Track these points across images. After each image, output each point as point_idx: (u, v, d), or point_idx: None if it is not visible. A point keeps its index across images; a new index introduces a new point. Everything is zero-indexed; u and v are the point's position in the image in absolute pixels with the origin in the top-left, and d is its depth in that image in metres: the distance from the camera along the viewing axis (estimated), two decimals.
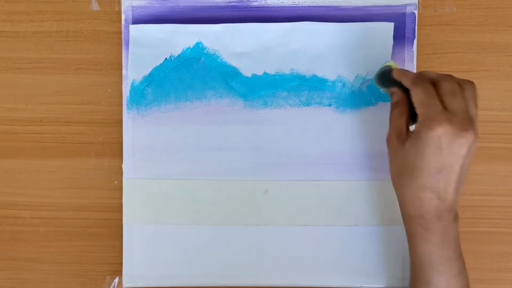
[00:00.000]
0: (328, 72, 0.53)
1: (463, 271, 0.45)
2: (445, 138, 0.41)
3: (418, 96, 0.43)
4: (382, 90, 0.48)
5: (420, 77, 0.44)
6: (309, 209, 0.53)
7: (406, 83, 0.44)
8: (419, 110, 0.42)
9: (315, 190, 0.53)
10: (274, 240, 0.53)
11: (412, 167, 0.42)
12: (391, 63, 0.47)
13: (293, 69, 0.53)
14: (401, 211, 0.45)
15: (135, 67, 0.53)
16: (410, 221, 0.44)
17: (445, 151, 0.41)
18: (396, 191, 0.45)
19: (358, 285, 0.53)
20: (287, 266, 0.53)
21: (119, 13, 0.53)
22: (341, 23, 0.52)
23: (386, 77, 0.47)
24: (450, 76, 0.44)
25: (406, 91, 0.45)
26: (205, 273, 0.53)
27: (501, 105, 0.54)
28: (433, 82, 0.43)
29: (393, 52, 0.53)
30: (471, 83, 0.44)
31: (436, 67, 0.53)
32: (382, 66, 0.48)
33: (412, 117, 0.45)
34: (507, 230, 0.54)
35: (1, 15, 0.54)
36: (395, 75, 0.46)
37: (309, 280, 0.53)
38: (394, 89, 0.46)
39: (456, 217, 0.44)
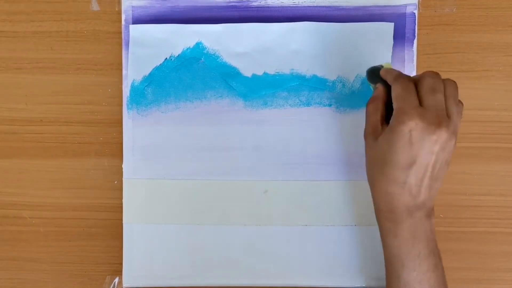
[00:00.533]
0: (328, 72, 0.53)
1: (437, 267, 0.44)
2: (416, 133, 0.41)
3: (396, 91, 0.43)
4: (371, 86, 0.48)
5: (402, 75, 0.44)
6: (309, 209, 0.53)
7: (389, 79, 0.45)
8: (395, 104, 0.43)
9: (315, 190, 0.53)
10: (274, 240, 0.53)
11: (384, 161, 0.42)
12: (386, 64, 0.48)
13: (293, 69, 0.53)
14: (374, 206, 0.46)
15: (135, 67, 0.53)
16: (381, 216, 0.45)
17: (415, 146, 0.41)
18: (370, 186, 0.45)
19: (358, 285, 0.53)
20: (287, 266, 0.53)
21: (119, 13, 0.54)
22: (341, 23, 0.52)
23: (375, 73, 0.47)
24: (436, 73, 0.44)
25: (388, 89, 0.45)
26: (205, 273, 0.53)
27: (501, 105, 0.54)
28: (416, 81, 0.44)
29: (393, 52, 0.53)
30: (452, 81, 0.44)
31: (436, 67, 0.53)
32: (378, 64, 0.48)
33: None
34: (507, 230, 0.54)
35: (1, 15, 0.54)
36: (382, 72, 0.46)
37: (309, 280, 0.53)
38: (378, 85, 0.46)
39: (429, 214, 0.44)
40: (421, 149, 0.41)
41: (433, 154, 0.41)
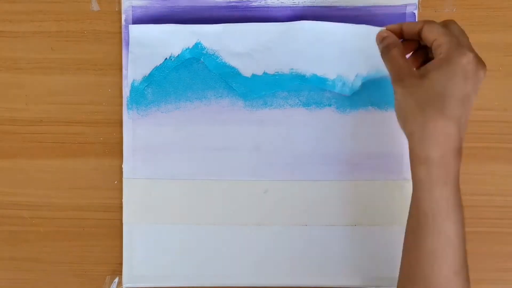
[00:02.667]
0: (328, 71, 0.53)
1: (460, 218, 0.42)
2: (472, 66, 0.40)
3: (437, 29, 0.42)
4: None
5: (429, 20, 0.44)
6: (309, 209, 0.53)
7: (415, 24, 0.44)
8: (443, 39, 0.42)
9: (315, 190, 0.53)
10: (274, 240, 0.53)
11: (442, 96, 0.40)
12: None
13: (292, 69, 0.53)
14: (415, 156, 0.41)
15: (135, 67, 0.53)
16: (428, 164, 0.40)
17: (469, 80, 0.41)
18: (412, 132, 0.41)
19: (358, 285, 0.53)
20: (287, 266, 0.53)
21: (119, 13, 0.54)
22: (341, 24, 0.52)
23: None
24: (453, 21, 0.44)
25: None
26: (205, 273, 0.53)
27: (501, 105, 0.54)
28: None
29: None
30: (453, 21, 0.44)
31: None
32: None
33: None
34: (507, 230, 0.54)
35: (1, 15, 0.54)
36: (404, 25, 0.45)
37: (309, 280, 0.53)
38: (385, 33, 0.46)
39: (459, 155, 0.41)
40: (473, 83, 0.41)
41: (477, 91, 0.41)
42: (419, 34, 0.44)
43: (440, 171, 0.40)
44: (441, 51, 0.42)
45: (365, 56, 0.52)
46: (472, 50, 0.42)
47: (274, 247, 0.53)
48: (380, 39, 0.46)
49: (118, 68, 0.54)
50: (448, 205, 0.41)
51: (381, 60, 0.45)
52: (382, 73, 0.51)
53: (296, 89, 0.53)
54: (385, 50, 0.45)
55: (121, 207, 0.54)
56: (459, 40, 0.42)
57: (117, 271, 0.54)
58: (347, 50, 0.52)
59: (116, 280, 0.54)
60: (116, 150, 0.54)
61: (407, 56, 0.45)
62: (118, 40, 0.54)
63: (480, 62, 0.41)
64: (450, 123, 0.40)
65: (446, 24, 0.44)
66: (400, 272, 0.45)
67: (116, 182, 0.54)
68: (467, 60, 0.41)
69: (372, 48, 0.46)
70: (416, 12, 0.53)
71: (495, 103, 0.54)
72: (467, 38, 0.43)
